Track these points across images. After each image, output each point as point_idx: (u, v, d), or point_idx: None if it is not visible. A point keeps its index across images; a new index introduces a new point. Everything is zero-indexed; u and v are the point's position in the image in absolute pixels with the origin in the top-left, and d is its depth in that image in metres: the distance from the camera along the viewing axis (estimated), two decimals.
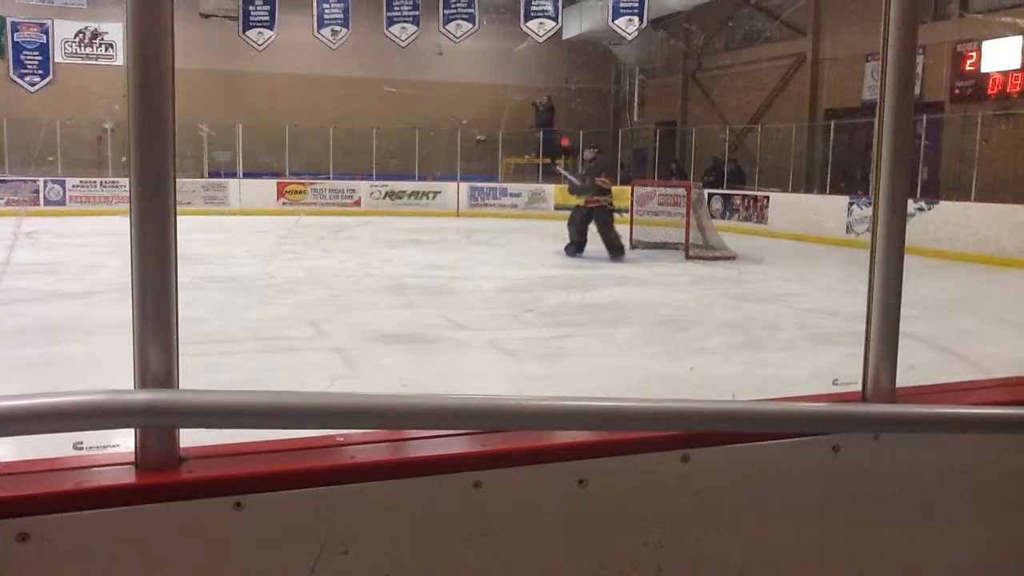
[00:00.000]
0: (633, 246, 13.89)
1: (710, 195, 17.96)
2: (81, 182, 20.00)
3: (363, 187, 22.14)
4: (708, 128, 21.50)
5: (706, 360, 6.35)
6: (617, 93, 25.59)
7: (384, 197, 22.06)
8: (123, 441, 1.20)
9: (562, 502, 1.31)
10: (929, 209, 13.77)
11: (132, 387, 1.13)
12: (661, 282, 10.60)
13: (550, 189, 22.18)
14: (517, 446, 1.31)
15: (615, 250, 12.38)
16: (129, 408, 1.07)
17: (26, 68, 20.23)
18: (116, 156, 20.73)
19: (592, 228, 12.48)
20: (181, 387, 1.16)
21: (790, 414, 1.40)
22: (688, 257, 12.83)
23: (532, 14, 18.06)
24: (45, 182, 19.80)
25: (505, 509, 1.28)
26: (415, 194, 22.35)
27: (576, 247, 12.56)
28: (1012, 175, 13.83)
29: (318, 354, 6.42)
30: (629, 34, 18.07)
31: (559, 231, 13.31)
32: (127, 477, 1.14)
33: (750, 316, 8.50)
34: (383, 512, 1.23)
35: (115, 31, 19.91)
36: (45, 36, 20.29)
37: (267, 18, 18.37)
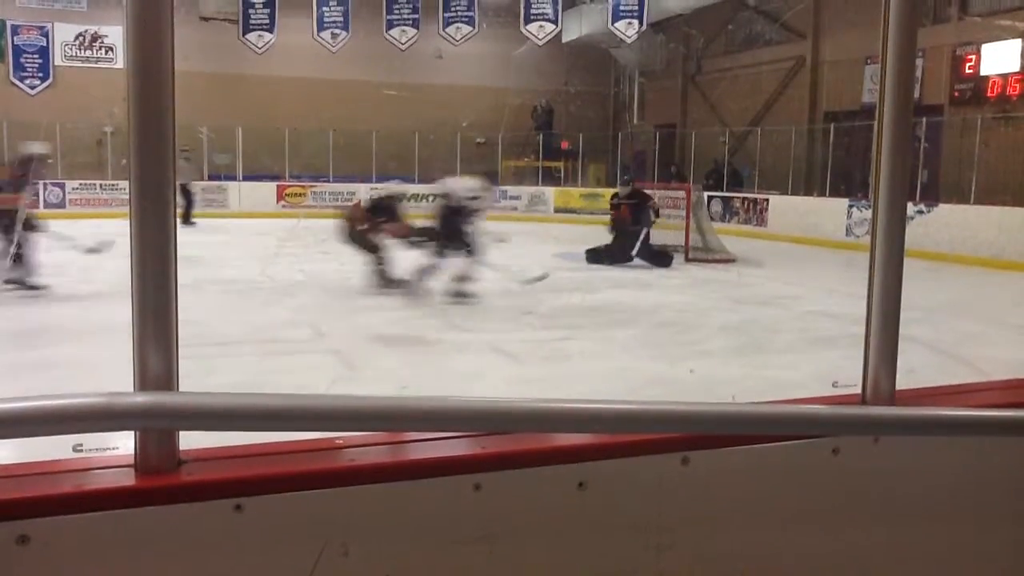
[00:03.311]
0: None
1: (710, 198, 17.96)
2: (81, 184, 20.00)
3: (363, 190, 22.13)
4: (708, 131, 21.50)
5: (706, 363, 6.35)
6: (616, 96, 25.61)
7: None
8: (123, 443, 1.20)
9: (562, 505, 1.31)
10: (928, 212, 13.77)
11: (132, 389, 1.12)
12: (661, 285, 10.60)
13: (549, 192, 22.20)
14: (517, 448, 1.31)
15: (663, 257, 12.17)
16: (129, 410, 1.06)
17: (26, 71, 20.27)
18: (116, 159, 20.72)
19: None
20: (181, 389, 1.15)
21: (790, 417, 1.40)
22: (688, 260, 12.82)
23: (532, 17, 18.07)
24: (45, 184, 19.79)
25: (505, 512, 1.28)
26: (415, 197, 22.33)
27: (610, 258, 12.06)
28: (1011, 178, 13.83)
29: (318, 356, 6.42)
30: (629, 37, 18.08)
31: (559, 233, 13.31)
32: (127, 480, 1.14)
33: (750, 319, 8.50)
34: (383, 514, 1.22)
35: (115, 34, 19.95)
36: (45, 39, 20.33)
37: (267, 21, 18.36)
